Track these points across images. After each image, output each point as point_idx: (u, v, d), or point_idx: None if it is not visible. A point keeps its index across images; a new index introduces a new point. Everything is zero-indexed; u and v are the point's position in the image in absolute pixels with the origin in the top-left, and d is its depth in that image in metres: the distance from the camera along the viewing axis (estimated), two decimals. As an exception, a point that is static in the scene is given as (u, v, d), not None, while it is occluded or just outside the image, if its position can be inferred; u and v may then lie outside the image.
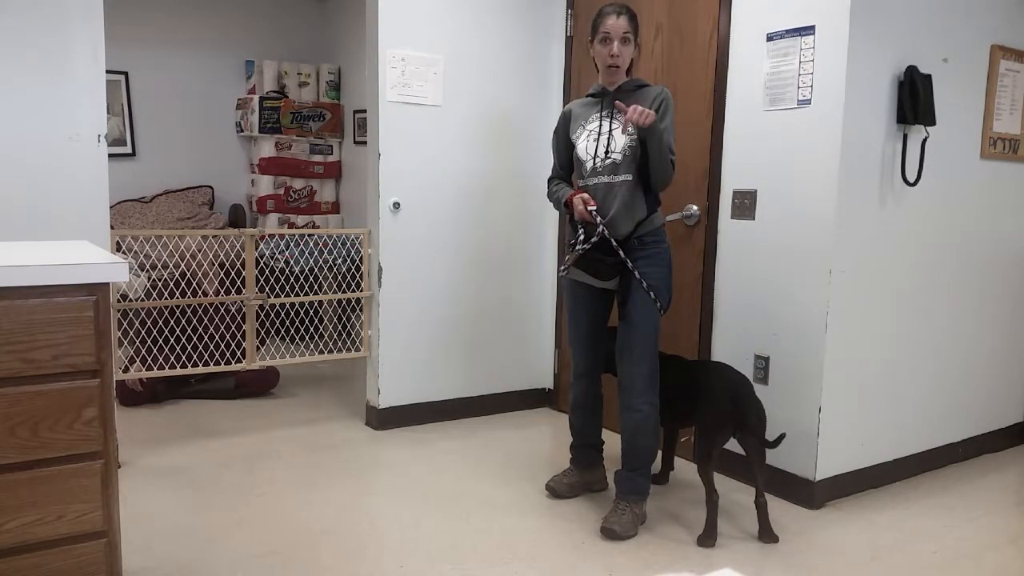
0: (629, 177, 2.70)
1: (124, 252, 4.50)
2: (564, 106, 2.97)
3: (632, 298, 2.70)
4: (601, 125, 2.77)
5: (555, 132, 2.98)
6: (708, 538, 2.65)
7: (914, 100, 2.95)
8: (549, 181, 3.00)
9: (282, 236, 5.19)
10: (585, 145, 2.78)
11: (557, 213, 4.08)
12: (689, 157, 3.40)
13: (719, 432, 2.67)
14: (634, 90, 2.78)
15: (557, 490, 3.02)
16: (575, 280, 2.86)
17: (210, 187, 5.94)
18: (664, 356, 2.86)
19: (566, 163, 2.94)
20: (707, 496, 2.65)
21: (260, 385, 4.31)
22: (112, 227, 3.61)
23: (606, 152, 2.73)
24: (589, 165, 2.76)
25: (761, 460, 2.69)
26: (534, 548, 2.63)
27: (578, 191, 2.76)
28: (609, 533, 2.67)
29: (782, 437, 2.66)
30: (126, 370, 3.78)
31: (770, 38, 3.03)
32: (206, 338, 3.89)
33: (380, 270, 3.75)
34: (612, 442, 3.03)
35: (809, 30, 2.90)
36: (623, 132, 2.69)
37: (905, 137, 3.04)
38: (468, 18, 3.83)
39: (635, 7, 3.63)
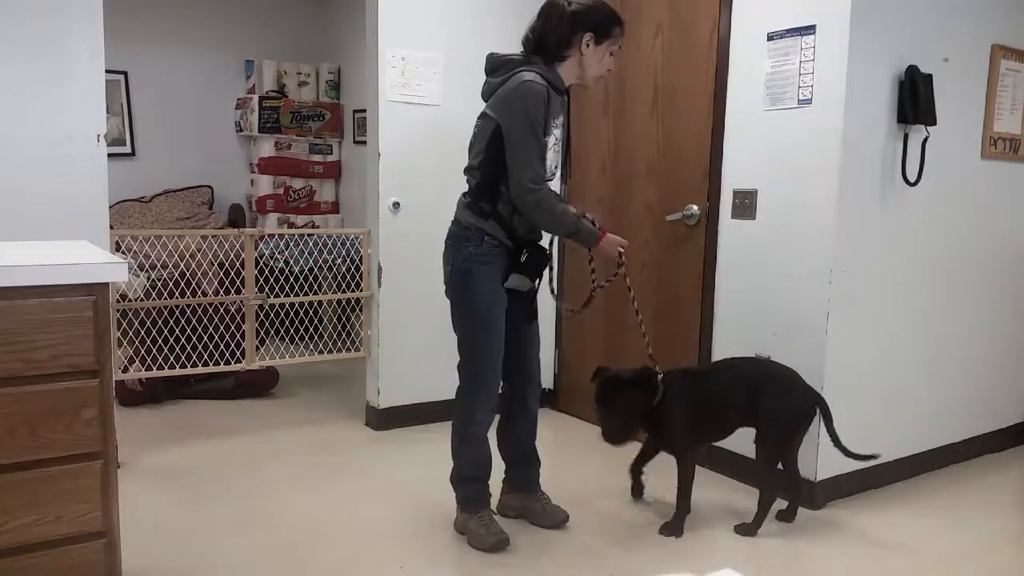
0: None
1: (123, 252, 4.49)
2: (528, 81, 2.39)
3: (535, 295, 2.71)
4: (566, 133, 2.61)
5: (535, 119, 2.39)
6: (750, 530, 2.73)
7: (915, 100, 2.95)
8: (536, 188, 2.42)
9: (282, 236, 5.18)
10: (553, 150, 2.51)
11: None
12: (689, 157, 3.40)
13: (803, 424, 2.75)
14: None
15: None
16: (508, 289, 2.57)
17: (209, 187, 5.94)
18: (684, 371, 2.80)
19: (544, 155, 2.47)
20: (770, 496, 2.74)
21: (260, 385, 4.30)
22: (111, 227, 3.60)
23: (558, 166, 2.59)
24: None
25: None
26: (534, 548, 2.62)
27: (605, 231, 2.59)
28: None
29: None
30: (125, 370, 3.77)
31: (770, 38, 3.03)
32: (205, 338, 3.88)
33: (380, 270, 3.75)
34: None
35: (810, 30, 2.89)
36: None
37: (906, 137, 3.03)
38: (468, 17, 3.83)
39: (634, 6, 3.65)
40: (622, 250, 2.61)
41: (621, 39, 2.54)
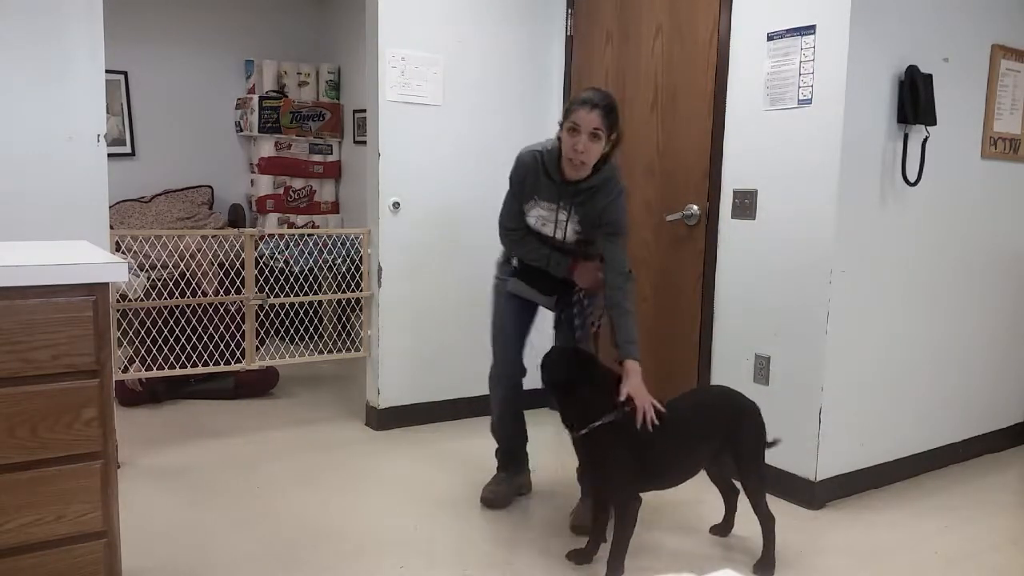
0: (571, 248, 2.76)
1: (123, 252, 4.49)
2: (522, 152, 2.70)
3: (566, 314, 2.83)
4: (558, 216, 2.67)
5: (511, 179, 2.75)
6: (768, 566, 2.48)
7: (915, 100, 2.95)
8: (507, 231, 2.82)
9: (282, 236, 5.18)
10: (537, 223, 2.73)
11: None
12: (689, 157, 3.40)
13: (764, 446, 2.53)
14: (592, 188, 2.59)
15: (494, 501, 2.96)
16: (513, 293, 2.92)
17: (210, 187, 5.94)
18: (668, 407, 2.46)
19: (519, 216, 2.77)
20: (771, 522, 2.50)
21: (260, 385, 4.30)
22: (111, 227, 3.60)
23: (563, 238, 2.72)
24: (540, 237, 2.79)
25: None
26: (535, 548, 2.62)
27: (581, 261, 2.73)
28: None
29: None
30: (125, 370, 3.77)
31: (770, 38, 3.03)
32: (205, 338, 3.88)
33: (380, 270, 3.75)
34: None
35: (810, 30, 2.89)
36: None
37: (906, 137, 3.03)
38: (468, 17, 3.83)
39: (634, 7, 3.64)
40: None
41: (574, 113, 2.51)
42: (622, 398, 2.37)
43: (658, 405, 2.39)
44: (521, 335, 2.98)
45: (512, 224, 2.80)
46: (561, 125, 2.57)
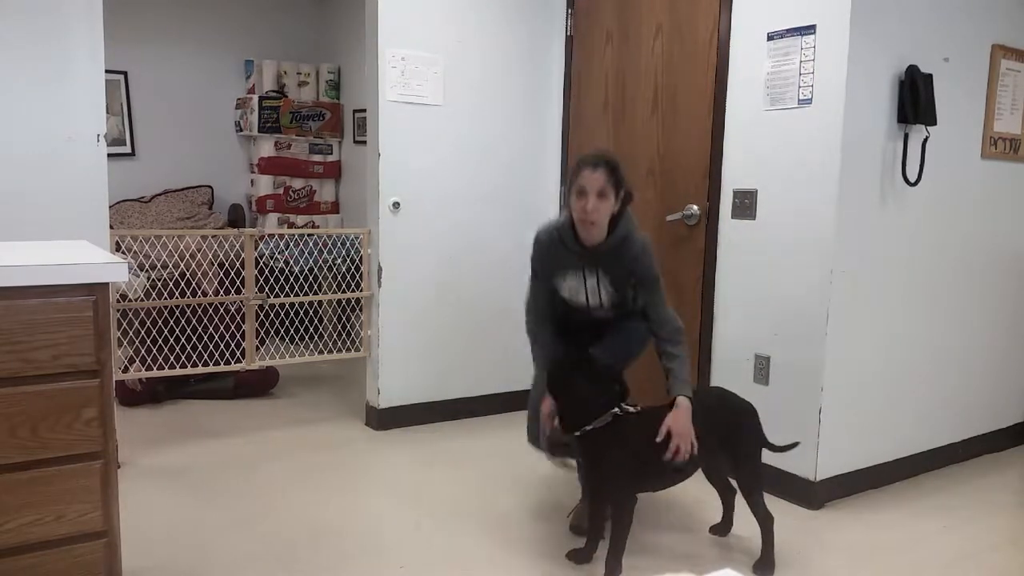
0: (612, 313, 2.69)
1: (123, 252, 4.49)
2: (538, 232, 2.68)
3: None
4: (587, 284, 2.64)
5: (533, 262, 2.73)
6: (767, 566, 2.48)
7: (915, 100, 2.95)
8: (527, 317, 2.76)
9: (282, 236, 5.18)
10: (571, 295, 2.68)
11: (558, 212, 4.08)
12: (689, 157, 3.40)
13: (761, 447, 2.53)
14: (613, 249, 2.58)
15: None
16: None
17: (209, 187, 5.94)
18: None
19: (547, 295, 2.72)
20: (769, 522, 2.49)
21: (260, 385, 4.30)
22: (111, 227, 3.60)
23: (599, 304, 2.66)
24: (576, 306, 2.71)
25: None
26: (535, 548, 2.62)
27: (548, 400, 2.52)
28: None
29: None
30: (126, 370, 3.77)
31: (770, 38, 3.03)
32: (205, 338, 3.88)
33: (380, 270, 3.75)
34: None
35: (810, 29, 2.89)
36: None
37: (906, 137, 3.03)
38: (468, 17, 3.83)
39: (634, 7, 3.65)
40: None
41: (579, 176, 2.52)
42: (662, 435, 2.34)
43: (695, 443, 2.36)
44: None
45: (540, 306, 2.73)
46: (568, 192, 2.57)
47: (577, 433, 2.37)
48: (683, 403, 2.41)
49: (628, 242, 2.58)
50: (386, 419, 3.82)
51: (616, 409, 2.36)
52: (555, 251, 2.64)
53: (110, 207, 3.28)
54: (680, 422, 2.36)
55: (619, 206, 2.57)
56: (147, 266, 4.70)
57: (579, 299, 2.68)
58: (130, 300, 4.24)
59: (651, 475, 2.42)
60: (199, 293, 4.06)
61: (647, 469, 2.39)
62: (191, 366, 3.77)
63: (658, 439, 2.33)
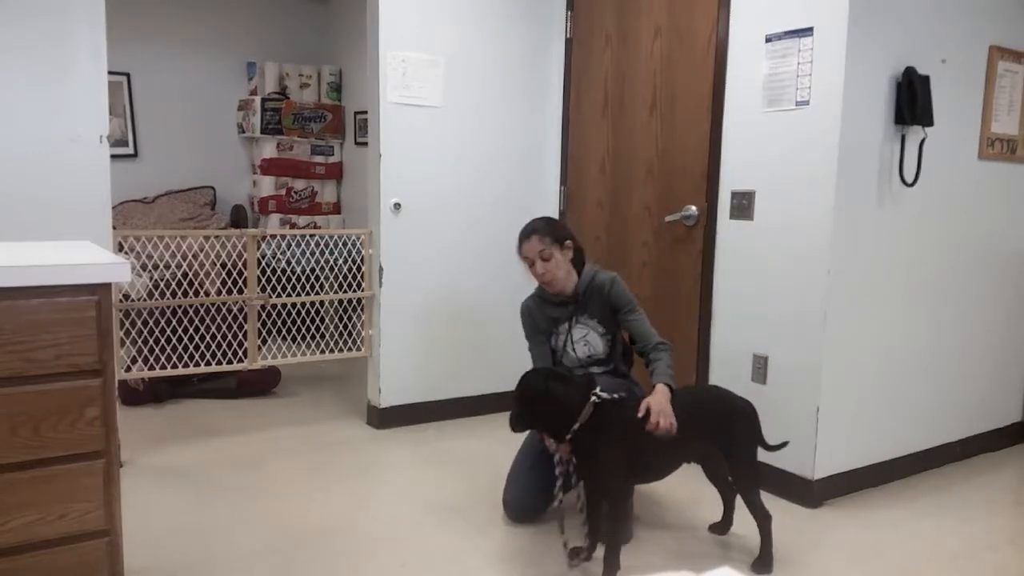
0: (611, 366, 2.84)
1: (126, 252, 4.50)
2: (522, 305, 2.90)
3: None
4: (577, 331, 2.81)
5: (526, 329, 2.92)
6: (766, 564, 2.50)
7: (912, 101, 2.96)
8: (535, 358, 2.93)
9: (284, 237, 5.19)
10: (566, 350, 2.84)
11: (558, 213, 4.09)
12: (688, 158, 3.41)
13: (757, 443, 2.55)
14: (588, 287, 2.77)
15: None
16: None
17: (212, 188, 5.95)
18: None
19: (548, 356, 2.88)
20: (767, 521, 2.51)
21: (261, 384, 4.32)
22: (114, 227, 3.61)
23: (595, 351, 2.81)
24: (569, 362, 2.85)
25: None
26: (536, 548, 2.64)
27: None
28: None
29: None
30: (128, 370, 3.79)
31: (769, 39, 3.04)
32: (208, 338, 3.90)
33: (381, 270, 3.77)
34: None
35: (807, 31, 2.90)
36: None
37: (903, 138, 3.04)
38: (468, 19, 3.85)
39: (633, 9, 3.66)
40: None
41: (520, 249, 2.78)
42: (642, 412, 2.40)
43: (673, 422, 2.40)
44: (534, 466, 2.79)
45: (537, 362, 2.88)
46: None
47: (568, 436, 2.39)
48: (660, 388, 2.51)
49: (598, 278, 2.78)
50: (387, 418, 3.84)
51: (593, 397, 2.39)
52: (543, 310, 2.85)
53: (113, 208, 3.30)
54: (658, 400, 2.44)
55: (572, 254, 2.79)
56: (150, 266, 4.71)
57: (575, 352, 2.81)
58: (133, 300, 4.26)
59: (642, 463, 2.45)
60: (201, 293, 4.08)
61: (637, 457, 2.41)
62: (193, 366, 3.79)
63: (639, 415, 2.40)
